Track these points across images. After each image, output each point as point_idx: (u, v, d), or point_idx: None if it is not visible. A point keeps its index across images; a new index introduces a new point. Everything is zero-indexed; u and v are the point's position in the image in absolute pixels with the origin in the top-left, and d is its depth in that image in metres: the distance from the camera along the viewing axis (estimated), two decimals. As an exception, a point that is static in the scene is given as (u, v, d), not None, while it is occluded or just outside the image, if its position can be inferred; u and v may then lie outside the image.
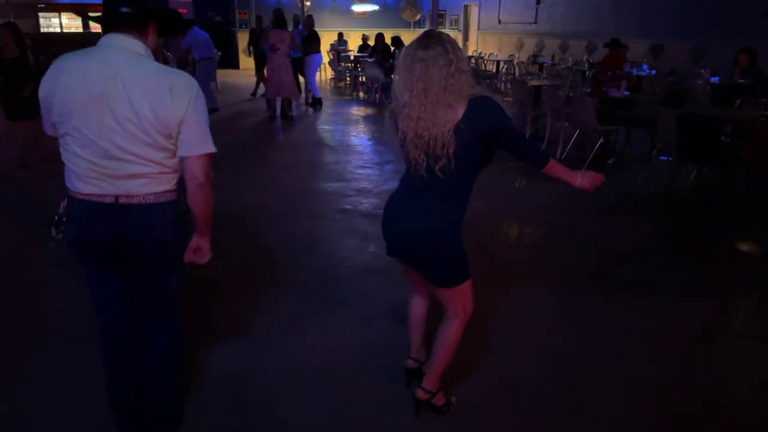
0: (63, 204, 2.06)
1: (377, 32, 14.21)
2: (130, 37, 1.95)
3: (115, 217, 2.00)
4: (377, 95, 12.44)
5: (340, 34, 17.01)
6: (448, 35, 2.16)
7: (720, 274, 4.15)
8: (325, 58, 16.34)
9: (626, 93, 7.06)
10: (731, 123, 5.53)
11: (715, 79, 8.35)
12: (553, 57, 13.16)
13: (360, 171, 6.79)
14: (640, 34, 11.14)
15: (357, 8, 18.78)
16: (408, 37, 18.77)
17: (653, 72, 9.85)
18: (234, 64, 18.11)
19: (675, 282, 4.02)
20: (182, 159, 2.01)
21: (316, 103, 11.31)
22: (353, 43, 16.84)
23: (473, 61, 14.30)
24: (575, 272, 4.17)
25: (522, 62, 13.30)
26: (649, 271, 4.21)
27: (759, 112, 5.30)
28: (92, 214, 2.00)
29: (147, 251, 2.09)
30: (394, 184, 6.09)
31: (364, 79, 13.40)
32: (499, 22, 15.95)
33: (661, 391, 2.79)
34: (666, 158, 6.59)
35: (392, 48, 13.43)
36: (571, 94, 7.40)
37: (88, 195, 1.99)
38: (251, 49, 13.78)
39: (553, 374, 2.92)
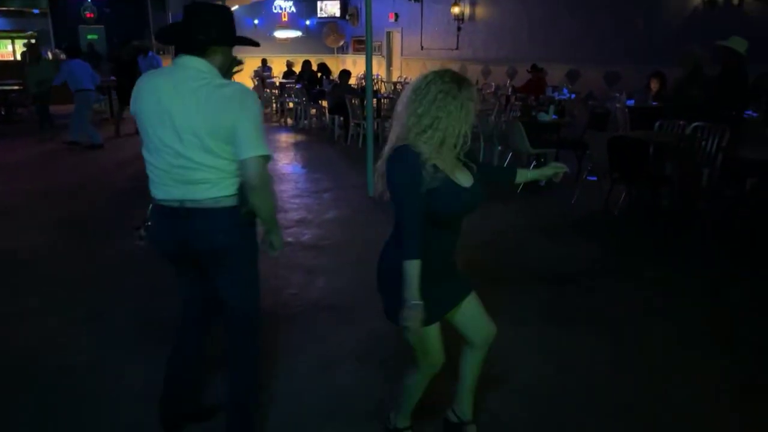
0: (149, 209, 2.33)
1: (304, 59, 14.16)
2: (195, 57, 2.16)
3: (180, 221, 2.19)
4: (305, 121, 12.30)
5: (264, 60, 16.79)
6: (449, 75, 2.00)
7: (664, 292, 4.28)
8: (250, 83, 16.10)
9: (555, 117, 7.31)
10: (655, 145, 5.81)
11: (630, 102, 8.83)
12: (477, 82, 13.54)
13: (297, 200, 6.60)
14: (558, 60, 11.67)
15: (279, 34, 18.66)
16: (331, 62, 18.86)
17: (572, 96, 10.31)
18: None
19: (625, 301, 4.11)
20: (239, 162, 2.13)
21: None
22: (278, 69, 16.66)
23: (398, 87, 14.48)
24: (526, 297, 4.17)
25: (447, 87, 13.59)
26: (598, 292, 4.28)
27: (679, 134, 5.61)
28: (163, 217, 2.24)
29: (207, 256, 2.28)
30: (335, 213, 6.02)
31: (291, 105, 13.23)
32: (422, 48, 16.27)
33: (633, 415, 2.79)
34: (593, 178, 6.84)
35: (319, 74, 13.38)
36: (504, 119, 7.58)
37: (160, 200, 2.23)
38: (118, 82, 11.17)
39: (526, 406, 2.86)
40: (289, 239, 5.33)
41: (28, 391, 2.98)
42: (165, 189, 2.20)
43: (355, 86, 12.67)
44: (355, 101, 9.95)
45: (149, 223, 2.32)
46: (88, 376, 3.13)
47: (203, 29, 2.15)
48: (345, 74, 10.65)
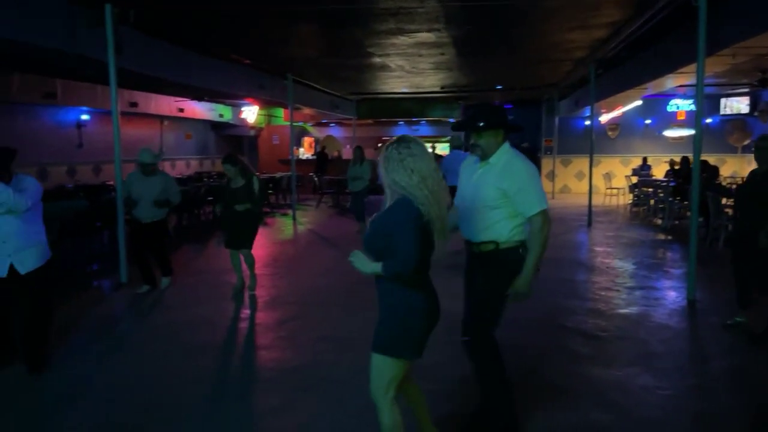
0: None
1: (682, 156, 13.31)
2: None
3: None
4: (676, 221, 11.40)
5: (644, 159, 16.32)
6: (408, 142, 2.57)
7: None
8: (624, 182, 15.88)
9: None
10: None
11: None
12: None
13: (602, 293, 6.38)
14: None
15: (670, 133, 17.81)
16: (734, 162, 16.88)
17: None
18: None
19: None
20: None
21: None
22: (661, 168, 15.95)
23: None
24: None
25: None
26: None
27: None
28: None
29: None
30: (633, 310, 5.60)
31: (662, 206, 12.47)
32: None
33: None
34: None
35: (703, 174, 12.30)
36: None
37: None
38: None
39: None
40: (569, 325, 5.29)
41: None
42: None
43: (729, 185, 11.20)
44: (725, 200, 8.88)
45: None
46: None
47: (478, 118, 3.07)
48: (711, 170, 9.62)
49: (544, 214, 2.97)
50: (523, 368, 4.20)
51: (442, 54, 10.53)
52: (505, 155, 3.06)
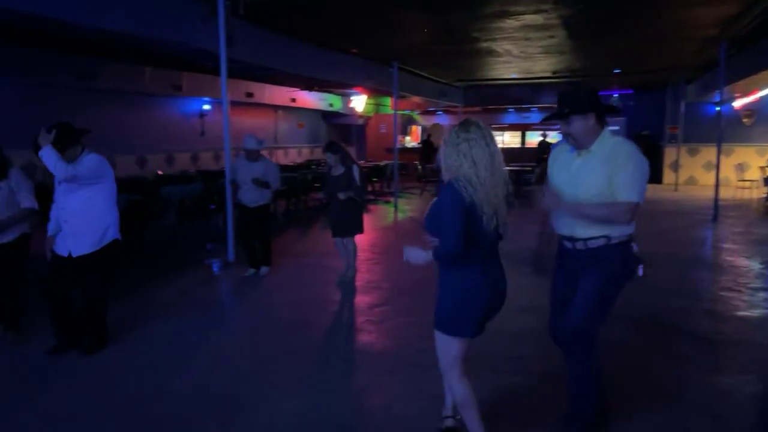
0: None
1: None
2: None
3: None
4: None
5: (786, 148, 14.61)
6: (468, 126, 2.61)
7: None
8: (759, 174, 14.33)
9: None
10: None
11: None
12: None
13: (722, 293, 5.80)
14: None
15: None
16: None
17: None
18: (657, 178, 17.41)
19: None
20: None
21: None
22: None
23: None
24: None
25: None
26: None
27: None
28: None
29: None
30: (755, 312, 5.10)
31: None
32: None
33: None
34: None
35: None
36: None
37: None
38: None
39: None
40: (680, 326, 4.87)
41: None
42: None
43: None
44: None
45: None
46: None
47: (563, 105, 2.85)
48: None
49: (636, 207, 2.73)
50: (626, 368, 3.94)
51: (552, 37, 10.05)
52: (611, 141, 2.83)
